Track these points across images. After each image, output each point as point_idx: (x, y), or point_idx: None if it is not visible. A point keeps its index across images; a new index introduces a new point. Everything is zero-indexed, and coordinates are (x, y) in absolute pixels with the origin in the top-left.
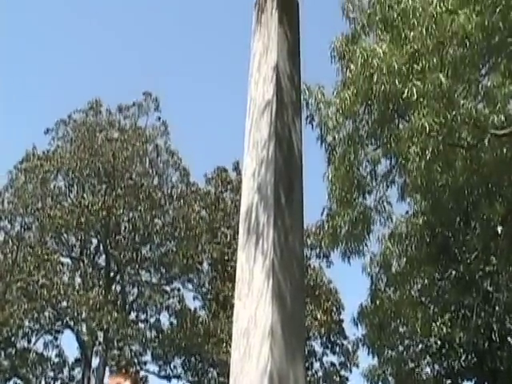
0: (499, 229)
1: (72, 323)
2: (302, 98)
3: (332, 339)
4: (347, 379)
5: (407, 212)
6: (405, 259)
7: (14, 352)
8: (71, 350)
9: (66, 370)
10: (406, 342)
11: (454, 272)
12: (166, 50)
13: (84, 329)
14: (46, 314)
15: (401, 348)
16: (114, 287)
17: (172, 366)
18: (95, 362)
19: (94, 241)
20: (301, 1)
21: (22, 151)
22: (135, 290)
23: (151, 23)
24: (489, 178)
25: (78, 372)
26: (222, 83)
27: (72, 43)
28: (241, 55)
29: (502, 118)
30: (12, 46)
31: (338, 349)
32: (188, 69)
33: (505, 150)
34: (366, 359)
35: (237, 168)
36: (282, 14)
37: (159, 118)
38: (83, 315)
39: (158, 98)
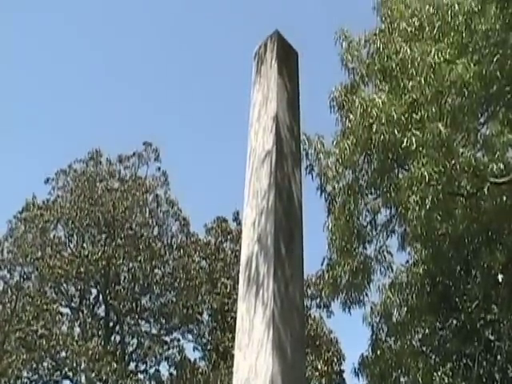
0: (500, 277)
1: (71, 374)
2: (301, 148)
3: None
4: None
5: (407, 261)
6: (405, 309)
7: None
8: None
9: None
10: None
11: (455, 321)
12: (165, 100)
13: (83, 379)
14: (45, 364)
15: None
16: (113, 337)
17: None
18: None
19: (94, 291)
20: (300, 51)
21: (22, 201)
22: (135, 340)
23: (151, 74)
24: (489, 226)
25: None
26: (221, 133)
27: (73, 93)
28: (240, 105)
29: (502, 166)
30: (11, 95)
31: None
32: (188, 119)
33: (504, 198)
34: None
35: (237, 218)
36: (282, 65)
37: (159, 168)
38: (82, 366)
39: (158, 148)
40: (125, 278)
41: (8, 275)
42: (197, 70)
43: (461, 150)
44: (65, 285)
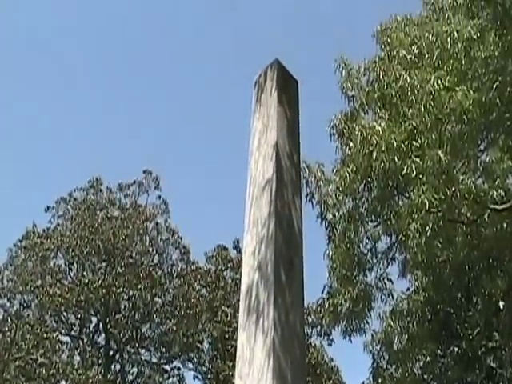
0: (501, 304)
1: None
2: (301, 176)
3: None
4: None
5: (408, 289)
6: (406, 336)
7: None
8: None
9: None
10: None
11: (456, 349)
12: (166, 128)
13: None
14: None
15: None
16: (113, 366)
17: None
18: None
19: (94, 319)
20: (300, 79)
21: (22, 229)
22: (135, 369)
23: (152, 102)
24: (490, 253)
25: None
26: (222, 162)
27: (73, 122)
28: (241, 134)
29: (502, 193)
30: (12, 124)
31: None
32: (188, 147)
33: (505, 225)
34: None
35: (237, 246)
36: (282, 94)
37: (159, 197)
38: None
39: (158, 176)
40: (125, 306)
41: (8, 303)
42: (197, 98)
43: (461, 177)
44: (65, 313)
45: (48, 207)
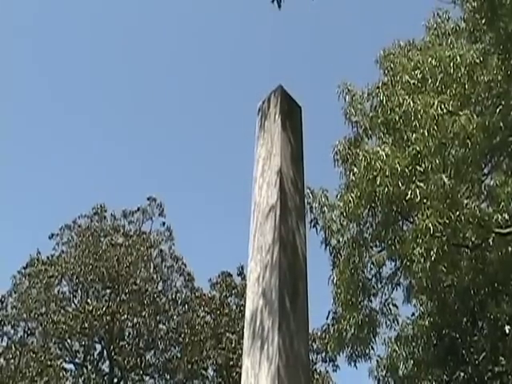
0: (507, 328)
1: None
2: (305, 201)
3: None
4: None
5: (413, 314)
6: (412, 362)
7: None
8: None
9: None
10: None
11: (462, 374)
12: (169, 155)
13: None
14: None
15: None
16: None
17: None
18: None
19: (98, 346)
20: (303, 105)
21: (26, 256)
22: None
23: (156, 129)
24: (495, 277)
25: None
26: (225, 188)
27: (76, 149)
28: (244, 160)
29: (506, 217)
30: (15, 149)
31: None
32: (192, 174)
33: (510, 249)
34: None
35: (241, 273)
36: (285, 120)
37: (164, 223)
38: None
39: (163, 203)
40: (129, 333)
41: (12, 331)
42: (201, 124)
43: (465, 201)
44: (69, 340)
45: (52, 234)
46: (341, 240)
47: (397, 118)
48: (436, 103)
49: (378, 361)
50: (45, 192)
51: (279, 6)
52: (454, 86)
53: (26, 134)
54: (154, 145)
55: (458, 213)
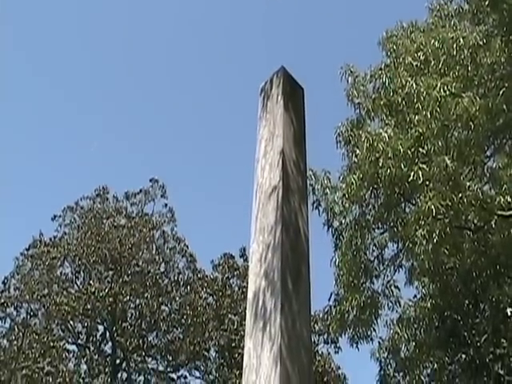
0: (509, 311)
1: None
2: (308, 183)
3: None
4: None
5: (415, 296)
6: (414, 344)
7: None
8: None
9: None
10: None
11: (463, 356)
12: (172, 136)
13: None
14: None
15: None
16: (120, 375)
17: None
18: None
19: (101, 328)
20: (306, 87)
21: (29, 238)
22: (141, 377)
23: (157, 111)
24: (497, 260)
25: None
26: (228, 169)
27: (79, 132)
28: (247, 141)
29: (509, 199)
30: (19, 133)
31: None
32: (194, 155)
33: None
34: None
35: (243, 254)
36: (288, 101)
37: (166, 205)
38: None
39: (165, 184)
40: (132, 314)
41: (15, 312)
42: (203, 106)
43: (468, 184)
44: (71, 322)
45: (55, 216)
46: (343, 222)
47: (399, 100)
48: (439, 85)
49: (379, 343)
50: (47, 174)
51: None
52: (457, 67)
53: (28, 116)
54: (156, 127)
55: (460, 195)
